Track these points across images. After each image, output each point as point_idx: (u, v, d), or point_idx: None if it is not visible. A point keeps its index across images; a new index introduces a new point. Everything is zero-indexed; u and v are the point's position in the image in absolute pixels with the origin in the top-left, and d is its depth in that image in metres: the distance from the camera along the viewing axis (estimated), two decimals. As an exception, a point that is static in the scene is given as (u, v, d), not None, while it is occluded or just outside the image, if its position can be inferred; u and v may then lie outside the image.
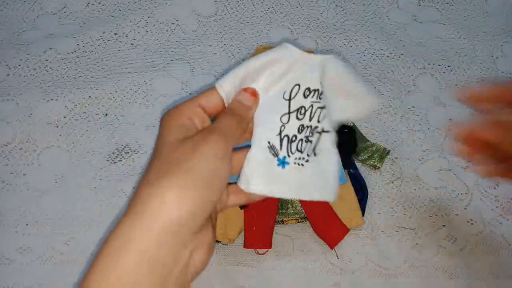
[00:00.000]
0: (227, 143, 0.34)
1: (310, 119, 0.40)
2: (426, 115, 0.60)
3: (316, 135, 0.40)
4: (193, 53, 0.63)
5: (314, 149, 0.40)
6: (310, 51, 0.64)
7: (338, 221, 0.51)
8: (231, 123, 0.36)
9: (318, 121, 0.40)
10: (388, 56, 0.64)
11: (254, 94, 0.38)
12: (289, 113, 0.40)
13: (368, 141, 0.57)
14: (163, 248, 0.29)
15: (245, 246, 0.50)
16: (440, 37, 0.66)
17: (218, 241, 0.51)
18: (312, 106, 0.40)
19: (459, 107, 0.61)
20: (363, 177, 0.55)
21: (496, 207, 0.54)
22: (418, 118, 0.60)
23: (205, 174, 0.31)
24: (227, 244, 0.51)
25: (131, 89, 0.59)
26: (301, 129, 0.40)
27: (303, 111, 0.40)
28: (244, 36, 0.65)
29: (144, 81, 0.60)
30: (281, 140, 0.39)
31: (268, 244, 0.51)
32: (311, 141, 0.40)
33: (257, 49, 0.62)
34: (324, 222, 0.51)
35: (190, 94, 0.60)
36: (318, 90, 0.40)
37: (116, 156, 0.56)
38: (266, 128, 0.39)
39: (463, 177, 0.56)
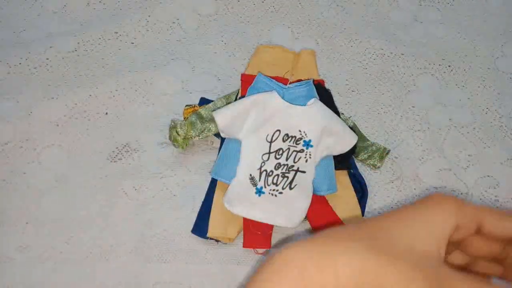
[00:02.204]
0: None
1: (287, 159, 0.51)
2: (426, 115, 0.60)
3: (292, 173, 0.50)
4: (194, 52, 0.63)
5: (290, 183, 0.50)
6: (310, 51, 0.64)
7: (338, 220, 0.51)
8: None
9: (294, 162, 0.51)
10: (388, 56, 0.64)
11: None
12: (269, 153, 0.51)
13: (368, 140, 0.57)
14: None
15: (244, 246, 0.50)
16: (441, 37, 0.66)
17: (217, 241, 0.51)
18: (289, 149, 0.51)
19: (459, 107, 0.61)
20: (363, 177, 0.55)
21: (496, 207, 0.54)
22: (418, 118, 0.60)
23: None
24: (227, 244, 0.51)
25: (131, 88, 0.59)
26: (277, 166, 0.50)
27: (281, 152, 0.51)
28: (245, 36, 0.65)
29: (145, 80, 0.60)
30: (260, 173, 0.50)
31: (267, 244, 0.51)
32: (287, 177, 0.50)
33: (258, 48, 0.62)
34: (324, 221, 0.51)
35: (190, 93, 0.60)
36: (295, 136, 0.51)
37: (116, 155, 0.56)
38: (250, 162, 0.50)
39: (463, 177, 0.56)
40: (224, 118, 0.52)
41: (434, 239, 0.27)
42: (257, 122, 0.52)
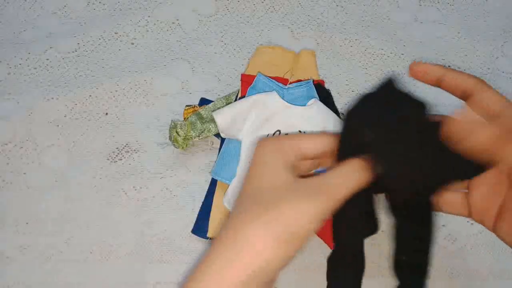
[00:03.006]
0: (331, 208, 0.31)
1: None
2: (426, 115, 0.60)
3: None
4: (194, 53, 0.63)
5: None
6: (310, 51, 0.64)
7: (338, 220, 0.51)
8: (347, 186, 0.32)
9: None
10: (388, 56, 0.64)
11: None
12: None
13: (368, 141, 0.57)
14: None
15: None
16: (441, 37, 0.66)
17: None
18: None
19: (460, 107, 0.61)
20: (363, 176, 0.55)
21: (496, 207, 0.54)
22: (418, 118, 0.60)
23: (299, 234, 0.30)
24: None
25: (131, 88, 0.59)
26: None
27: None
28: (245, 36, 0.65)
29: (145, 80, 0.60)
30: None
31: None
32: None
33: (258, 48, 0.62)
34: (324, 222, 0.51)
35: (190, 93, 0.60)
36: None
37: (116, 155, 0.56)
38: None
39: (463, 177, 0.56)
40: (224, 118, 0.52)
41: (271, 170, 0.32)
42: (257, 123, 0.52)
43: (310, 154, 0.35)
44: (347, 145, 0.34)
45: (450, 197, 0.36)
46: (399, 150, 0.33)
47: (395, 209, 0.35)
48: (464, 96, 0.35)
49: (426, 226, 0.35)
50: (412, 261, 0.36)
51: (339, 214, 0.33)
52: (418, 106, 0.35)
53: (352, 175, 0.32)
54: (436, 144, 0.33)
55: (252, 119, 0.52)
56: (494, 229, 0.35)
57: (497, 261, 0.52)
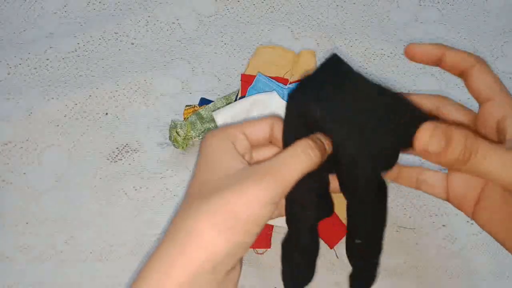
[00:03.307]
0: (280, 191, 0.31)
1: None
2: (426, 115, 0.60)
3: None
4: (194, 53, 0.63)
5: None
6: (310, 52, 0.64)
7: (337, 220, 0.51)
8: (301, 166, 0.31)
9: None
10: (388, 56, 0.64)
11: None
12: None
13: (368, 141, 0.57)
14: (197, 285, 0.29)
15: (244, 246, 0.50)
16: (441, 37, 0.66)
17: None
18: None
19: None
20: (363, 176, 0.55)
21: (496, 207, 0.54)
22: (418, 118, 0.60)
23: (247, 220, 0.30)
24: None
25: (131, 88, 0.59)
26: None
27: None
28: (245, 36, 0.65)
29: (145, 80, 0.60)
30: None
31: (267, 244, 0.51)
32: None
33: (258, 48, 0.62)
34: (323, 221, 0.51)
35: (190, 93, 0.60)
36: None
37: (116, 155, 0.56)
38: None
39: (463, 177, 0.56)
40: (224, 118, 0.52)
41: (220, 161, 0.32)
42: None
43: (257, 140, 0.34)
44: (294, 126, 0.33)
45: (430, 177, 0.36)
46: (348, 120, 0.31)
47: (347, 190, 0.34)
48: (462, 76, 0.35)
49: (380, 205, 0.34)
50: (366, 244, 0.35)
51: (292, 197, 0.32)
52: (364, 79, 0.33)
53: (301, 157, 0.31)
54: (386, 107, 0.32)
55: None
56: (473, 216, 0.34)
57: (497, 261, 0.52)
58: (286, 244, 0.35)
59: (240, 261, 0.33)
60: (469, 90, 0.35)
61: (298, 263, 0.36)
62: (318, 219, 0.35)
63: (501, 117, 0.32)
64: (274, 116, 0.35)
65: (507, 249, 0.33)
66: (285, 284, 0.36)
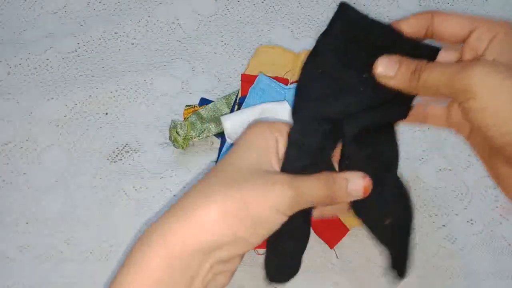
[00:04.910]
0: (296, 209, 0.31)
1: None
2: (426, 115, 0.60)
3: None
4: (194, 53, 0.63)
5: None
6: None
7: (337, 220, 0.51)
8: (318, 194, 0.32)
9: None
10: (388, 56, 0.64)
11: (367, 190, 0.34)
12: None
13: (368, 141, 0.57)
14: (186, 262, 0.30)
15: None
16: (441, 37, 0.66)
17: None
18: None
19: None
20: (363, 176, 0.55)
21: (496, 207, 0.54)
22: (418, 118, 0.60)
23: (258, 219, 0.30)
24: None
25: (131, 88, 0.59)
26: None
27: None
28: (245, 36, 0.65)
29: (145, 80, 0.60)
30: None
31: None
32: None
33: (258, 48, 0.62)
34: (324, 221, 0.51)
35: (190, 93, 0.60)
36: None
37: (116, 155, 0.56)
38: None
39: (463, 177, 0.56)
40: (233, 124, 0.51)
41: (256, 153, 0.32)
42: None
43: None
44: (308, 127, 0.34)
45: (434, 111, 0.38)
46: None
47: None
48: (460, 42, 0.34)
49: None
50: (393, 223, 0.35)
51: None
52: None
53: (322, 189, 0.32)
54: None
55: None
56: (468, 139, 0.36)
57: (497, 261, 0.52)
58: (276, 232, 0.35)
59: (240, 257, 0.33)
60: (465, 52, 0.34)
61: (289, 252, 0.35)
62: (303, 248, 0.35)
63: (488, 42, 0.32)
64: None
65: (491, 175, 0.34)
66: (269, 274, 0.35)
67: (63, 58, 0.61)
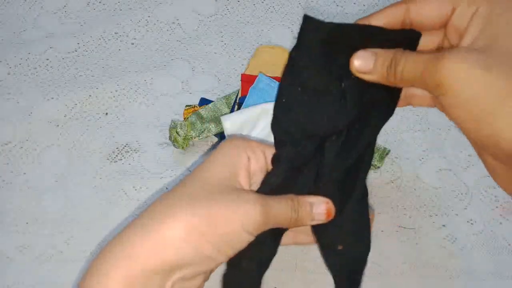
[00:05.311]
0: (263, 228, 0.31)
1: None
2: (426, 115, 0.60)
3: None
4: (194, 53, 0.63)
5: None
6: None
7: (338, 220, 0.51)
8: (285, 216, 0.32)
9: None
10: (388, 56, 0.64)
11: (330, 214, 0.34)
12: None
13: (368, 141, 0.57)
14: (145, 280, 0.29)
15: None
16: (441, 37, 0.66)
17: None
18: None
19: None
20: (363, 177, 0.55)
21: (496, 207, 0.54)
22: (418, 118, 0.60)
23: (223, 236, 0.30)
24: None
25: (131, 88, 0.59)
26: None
27: None
28: (245, 36, 0.65)
29: (145, 80, 0.60)
30: None
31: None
32: None
33: (258, 48, 0.62)
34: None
35: (190, 93, 0.60)
36: None
37: (116, 155, 0.56)
38: None
39: (463, 177, 0.56)
40: (233, 123, 0.51)
41: (227, 169, 0.32)
42: (264, 132, 0.51)
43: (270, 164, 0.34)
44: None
45: (418, 91, 0.36)
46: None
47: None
48: (442, 26, 0.33)
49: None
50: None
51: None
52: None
53: (289, 213, 0.32)
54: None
55: (260, 128, 0.51)
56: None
57: (497, 261, 0.52)
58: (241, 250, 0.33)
59: (206, 274, 0.32)
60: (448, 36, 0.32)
61: (250, 271, 0.34)
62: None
63: (470, 18, 0.30)
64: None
65: (484, 165, 0.33)
66: None
67: (63, 58, 0.61)
